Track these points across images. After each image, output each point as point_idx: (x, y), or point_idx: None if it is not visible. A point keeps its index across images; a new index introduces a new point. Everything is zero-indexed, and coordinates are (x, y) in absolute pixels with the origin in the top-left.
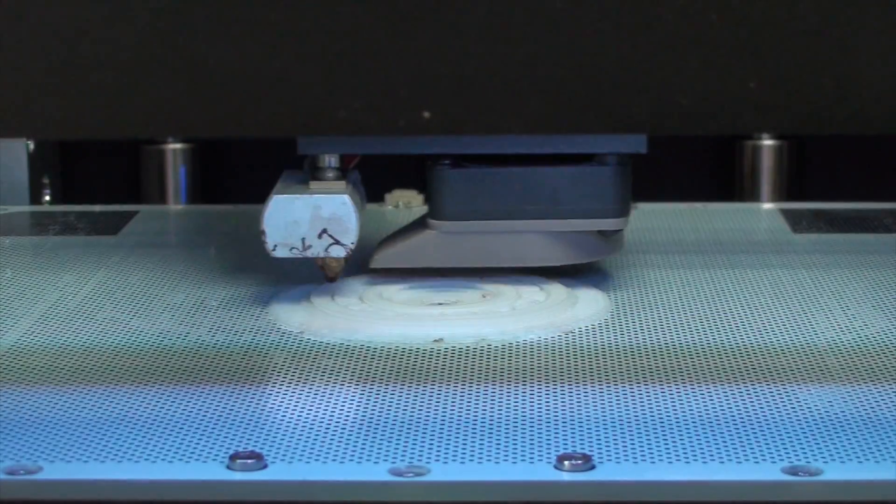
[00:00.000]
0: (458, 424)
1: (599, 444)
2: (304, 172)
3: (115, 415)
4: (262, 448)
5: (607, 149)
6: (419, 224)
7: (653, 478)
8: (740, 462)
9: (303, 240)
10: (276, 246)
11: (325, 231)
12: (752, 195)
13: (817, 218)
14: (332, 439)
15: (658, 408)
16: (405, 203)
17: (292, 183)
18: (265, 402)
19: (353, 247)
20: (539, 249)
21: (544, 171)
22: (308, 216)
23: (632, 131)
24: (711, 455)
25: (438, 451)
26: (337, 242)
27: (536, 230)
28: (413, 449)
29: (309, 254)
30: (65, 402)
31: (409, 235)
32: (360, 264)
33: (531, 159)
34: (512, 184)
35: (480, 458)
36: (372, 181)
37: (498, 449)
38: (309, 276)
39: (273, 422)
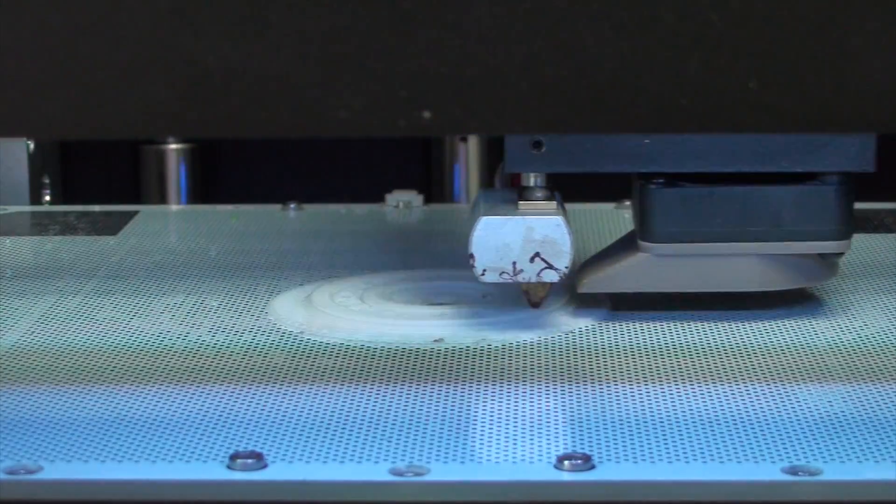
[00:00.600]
0: (459, 424)
1: (599, 444)
2: (506, 192)
3: (116, 415)
4: (262, 448)
5: (832, 167)
6: (628, 245)
7: (653, 478)
8: (740, 462)
9: (514, 264)
10: (485, 271)
11: (537, 255)
12: None
13: None
14: (332, 439)
15: (658, 408)
16: (405, 204)
17: (497, 203)
18: (265, 402)
19: (567, 271)
20: (757, 273)
21: (764, 191)
22: (520, 239)
23: (632, 131)
24: (711, 455)
25: (438, 450)
26: (550, 266)
27: (754, 253)
28: (413, 449)
29: (520, 278)
30: (65, 401)
31: (619, 258)
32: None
33: (747, 178)
34: (729, 204)
35: (480, 458)
36: (372, 181)
37: (498, 449)
38: (309, 277)
39: (273, 422)
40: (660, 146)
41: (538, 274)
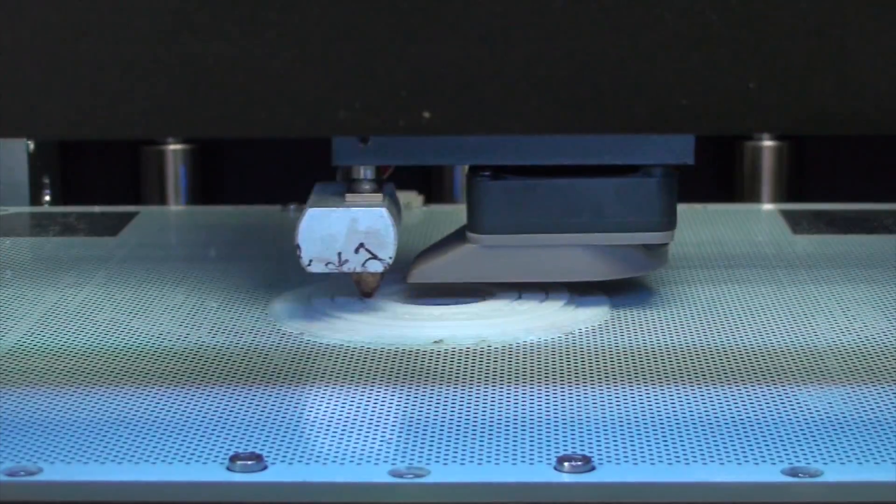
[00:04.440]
0: (459, 426)
1: (599, 445)
2: (338, 185)
3: (116, 416)
4: (262, 449)
5: (653, 160)
6: (458, 237)
7: (653, 479)
8: (740, 463)
9: (339, 254)
10: (311, 261)
11: (362, 245)
12: (752, 196)
13: (817, 219)
14: (332, 440)
15: (658, 409)
16: (405, 204)
17: (327, 195)
18: (265, 403)
19: (390, 261)
20: (583, 264)
21: (588, 184)
22: (344, 230)
23: (631, 131)
24: (711, 456)
25: (438, 452)
26: (374, 257)
27: (580, 244)
28: (413, 450)
29: (345, 269)
30: (65, 403)
31: (448, 249)
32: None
33: (573, 171)
34: (554, 196)
35: (480, 459)
36: None
37: (498, 450)
38: (309, 278)
39: (273, 423)
40: (486, 139)
41: (363, 264)
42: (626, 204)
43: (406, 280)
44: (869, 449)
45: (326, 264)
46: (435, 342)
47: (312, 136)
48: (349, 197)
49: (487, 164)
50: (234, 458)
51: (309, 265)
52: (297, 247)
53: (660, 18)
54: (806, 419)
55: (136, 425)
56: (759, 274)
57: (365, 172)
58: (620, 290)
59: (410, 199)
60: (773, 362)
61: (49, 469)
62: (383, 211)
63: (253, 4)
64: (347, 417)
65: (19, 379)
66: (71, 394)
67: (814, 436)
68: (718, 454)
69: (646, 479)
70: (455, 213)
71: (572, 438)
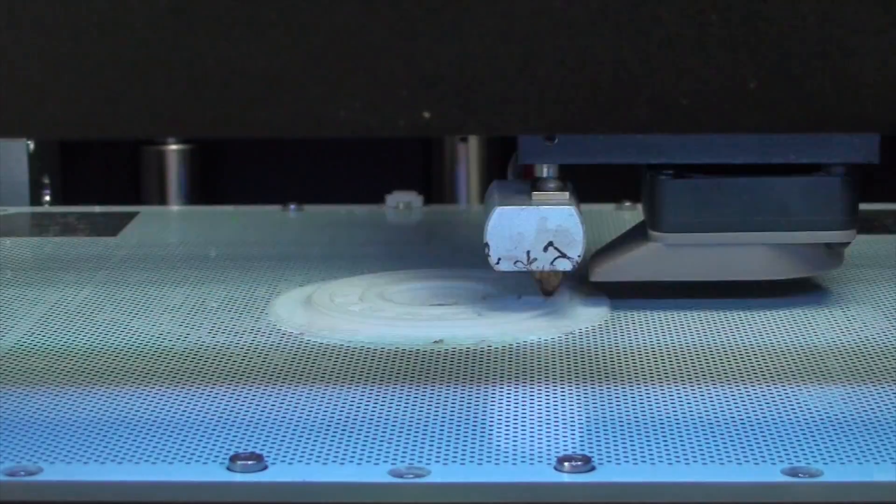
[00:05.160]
0: (459, 426)
1: (599, 445)
2: (518, 183)
3: (116, 416)
4: (262, 449)
5: (837, 159)
6: (637, 235)
7: (653, 479)
8: (740, 463)
9: (528, 253)
10: (499, 259)
11: (550, 244)
12: None
13: None
14: (332, 440)
15: (658, 409)
16: (405, 204)
17: (510, 194)
18: (265, 403)
19: (579, 259)
20: (765, 263)
21: (771, 182)
22: (534, 228)
23: (631, 131)
24: (712, 456)
25: (439, 452)
26: (563, 255)
27: (762, 242)
28: (413, 450)
29: (534, 267)
30: (65, 403)
31: (629, 248)
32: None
33: (754, 170)
34: (737, 195)
35: (481, 459)
36: (372, 182)
37: (498, 450)
38: (309, 278)
39: (273, 423)
40: (670, 138)
41: (551, 263)
42: (809, 203)
43: (589, 279)
44: (869, 449)
45: (515, 262)
46: (435, 342)
47: (312, 136)
48: (536, 195)
49: (670, 164)
50: (234, 458)
51: (497, 263)
52: (486, 245)
53: (659, 18)
54: (806, 419)
55: (136, 425)
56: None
57: (549, 171)
58: (620, 291)
59: (410, 199)
60: (773, 362)
61: (49, 469)
62: (572, 209)
63: (253, 4)
64: (347, 417)
65: (19, 379)
66: (71, 394)
67: (814, 436)
68: (718, 454)
69: (646, 479)
70: (455, 213)
71: (572, 438)
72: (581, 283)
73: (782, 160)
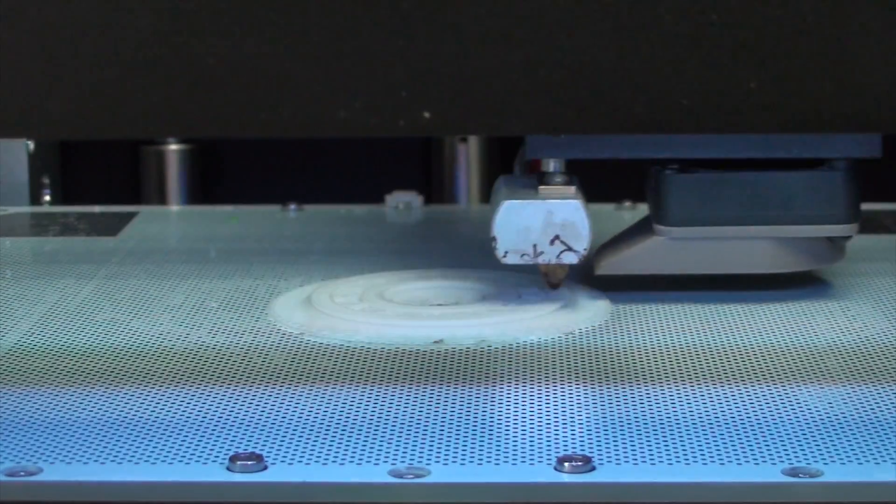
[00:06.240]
0: (459, 426)
1: (599, 445)
2: (525, 178)
3: (116, 416)
4: (262, 449)
5: (840, 153)
6: (642, 229)
7: (653, 479)
8: (741, 464)
9: (534, 246)
10: (507, 252)
11: (557, 237)
12: None
13: None
14: (332, 440)
15: (658, 409)
16: (405, 205)
17: (517, 188)
18: (265, 403)
19: (585, 253)
20: (768, 256)
21: (775, 177)
22: (540, 222)
23: (631, 131)
24: (712, 456)
25: (439, 452)
26: (569, 249)
27: (766, 236)
28: (413, 450)
29: (540, 260)
30: (65, 403)
31: (634, 241)
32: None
33: (757, 164)
34: (741, 189)
35: (481, 459)
36: (372, 182)
37: (498, 450)
38: (309, 277)
39: (273, 423)
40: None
41: (558, 256)
42: (812, 197)
43: (594, 272)
44: (869, 449)
45: (522, 256)
46: (435, 342)
47: (312, 136)
48: (543, 189)
49: (675, 158)
50: (234, 458)
51: (504, 256)
52: (493, 238)
53: (659, 18)
54: (806, 419)
55: (136, 425)
56: (758, 274)
57: (556, 165)
58: (620, 290)
59: (410, 199)
60: (773, 362)
61: (49, 469)
62: (579, 203)
63: (253, 4)
64: (347, 417)
65: (19, 379)
66: (71, 394)
67: (814, 436)
68: (718, 454)
69: (646, 479)
70: (455, 213)
71: (572, 438)
72: (582, 281)
73: (786, 155)
